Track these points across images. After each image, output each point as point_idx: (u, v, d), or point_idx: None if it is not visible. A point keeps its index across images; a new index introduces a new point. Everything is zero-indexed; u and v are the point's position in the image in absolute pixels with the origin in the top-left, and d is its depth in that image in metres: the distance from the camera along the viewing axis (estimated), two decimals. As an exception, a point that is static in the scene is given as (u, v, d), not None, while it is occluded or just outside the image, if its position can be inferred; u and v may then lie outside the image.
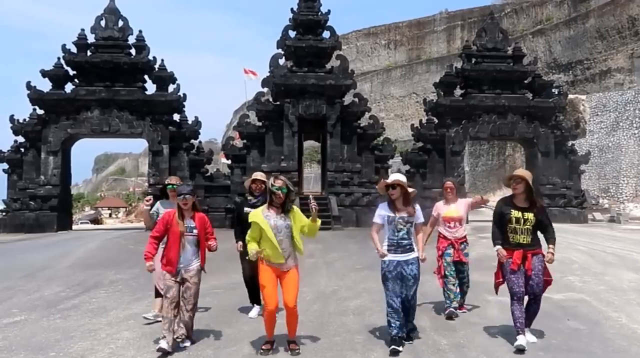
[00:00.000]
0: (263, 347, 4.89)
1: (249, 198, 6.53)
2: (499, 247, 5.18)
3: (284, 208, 4.88)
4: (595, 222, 25.42)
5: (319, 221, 4.97)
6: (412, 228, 5.23)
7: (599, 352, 4.89)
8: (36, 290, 8.24)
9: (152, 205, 6.25)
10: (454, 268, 6.45)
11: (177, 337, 5.02)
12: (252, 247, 4.86)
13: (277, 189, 4.81)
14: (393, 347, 4.87)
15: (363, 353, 4.85)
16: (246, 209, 6.17)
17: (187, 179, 22.31)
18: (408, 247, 5.16)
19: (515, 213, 5.14)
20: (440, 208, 6.58)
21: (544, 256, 5.20)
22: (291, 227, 4.88)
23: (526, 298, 5.24)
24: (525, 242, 5.11)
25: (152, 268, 5.15)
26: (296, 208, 5.01)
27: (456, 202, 6.56)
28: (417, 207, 5.32)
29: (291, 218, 4.90)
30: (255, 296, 6.41)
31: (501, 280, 5.32)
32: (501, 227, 5.23)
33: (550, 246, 5.18)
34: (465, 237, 6.58)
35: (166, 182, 6.47)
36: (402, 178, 5.25)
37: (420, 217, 5.31)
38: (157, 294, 6.02)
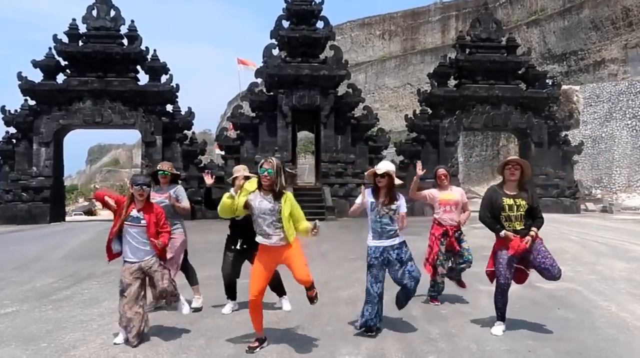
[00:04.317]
0: (250, 345, 4.72)
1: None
2: (504, 231, 5.08)
3: (273, 193, 4.59)
4: (587, 212, 25.58)
5: (309, 234, 4.75)
6: (395, 216, 5.24)
7: (589, 341, 4.93)
8: (28, 282, 8.22)
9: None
10: (446, 258, 6.45)
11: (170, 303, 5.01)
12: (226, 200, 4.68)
13: (263, 171, 4.54)
14: (364, 330, 5.13)
15: (354, 342, 4.87)
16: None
17: (181, 170, 22.28)
18: (392, 233, 5.20)
19: (507, 201, 5.10)
20: (436, 193, 6.53)
21: (541, 240, 5.18)
22: (277, 211, 4.56)
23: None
24: (520, 228, 5.09)
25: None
26: (290, 195, 4.70)
27: (451, 189, 6.56)
28: (401, 197, 5.33)
29: (282, 202, 4.59)
30: (231, 292, 6.20)
31: (493, 268, 5.32)
32: (494, 215, 5.18)
33: (534, 228, 5.11)
34: (459, 223, 6.51)
35: (157, 168, 6.37)
36: (392, 168, 5.25)
37: (403, 206, 5.29)
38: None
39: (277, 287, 5.96)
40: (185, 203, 6.29)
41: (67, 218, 27.87)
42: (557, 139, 24.56)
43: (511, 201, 5.10)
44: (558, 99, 26.30)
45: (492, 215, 5.19)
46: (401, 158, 24.54)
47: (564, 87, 34.68)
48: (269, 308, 6.11)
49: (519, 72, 24.62)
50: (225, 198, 4.68)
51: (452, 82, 25.35)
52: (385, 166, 5.26)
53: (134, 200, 4.97)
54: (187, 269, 6.52)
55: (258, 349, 4.68)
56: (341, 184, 22.56)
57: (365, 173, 5.46)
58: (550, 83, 27.39)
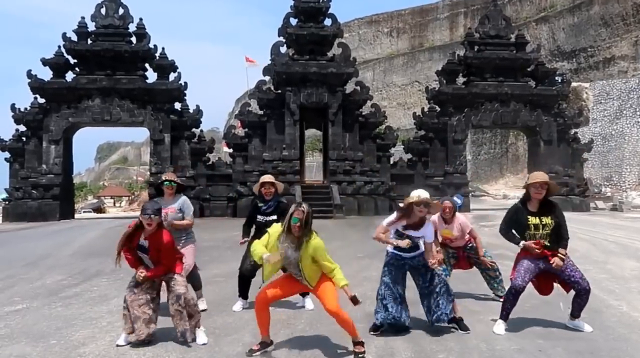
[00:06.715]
0: (253, 347, 4.57)
1: (259, 204, 6.23)
2: (523, 242, 5.03)
3: (299, 240, 4.46)
4: (597, 210, 25.36)
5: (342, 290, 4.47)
6: (420, 242, 5.10)
7: (600, 340, 4.88)
8: (38, 279, 8.27)
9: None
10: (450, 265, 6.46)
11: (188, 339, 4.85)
12: (260, 251, 4.52)
13: (296, 221, 4.41)
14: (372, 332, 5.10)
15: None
16: (259, 217, 6.11)
17: (189, 168, 22.37)
18: (413, 246, 5.07)
19: (532, 220, 5.04)
20: (438, 224, 6.29)
21: (567, 256, 5.15)
22: (298, 260, 4.46)
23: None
24: (547, 245, 5.06)
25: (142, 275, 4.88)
26: (313, 243, 4.48)
27: (454, 222, 6.34)
28: (429, 224, 5.15)
29: (302, 251, 4.46)
30: (244, 291, 6.20)
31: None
32: (518, 231, 5.12)
33: (562, 250, 5.08)
34: (468, 242, 6.43)
35: (162, 179, 6.04)
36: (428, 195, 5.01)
37: (430, 237, 5.12)
38: None
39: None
40: (189, 217, 6.08)
41: (77, 215, 28.03)
42: (566, 136, 24.39)
43: (537, 220, 5.04)
44: (567, 96, 26.13)
45: (512, 230, 5.16)
46: (409, 156, 24.47)
47: (574, 84, 34.43)
48: (277, 306, 6.10)
49: (528, 69, 24.46)
50: (258, 249, 4.59)
51: (460, 80, 25.22)
52: (423, 194, 4.97)
53: (142, 226, 4.87)
54: (193, 275, 6.31)
55: (258, 353, 4.51)
56: (349, 182, 22.52)
57: (404, 203, 5.09)
58: (559, 80, 27.23)
